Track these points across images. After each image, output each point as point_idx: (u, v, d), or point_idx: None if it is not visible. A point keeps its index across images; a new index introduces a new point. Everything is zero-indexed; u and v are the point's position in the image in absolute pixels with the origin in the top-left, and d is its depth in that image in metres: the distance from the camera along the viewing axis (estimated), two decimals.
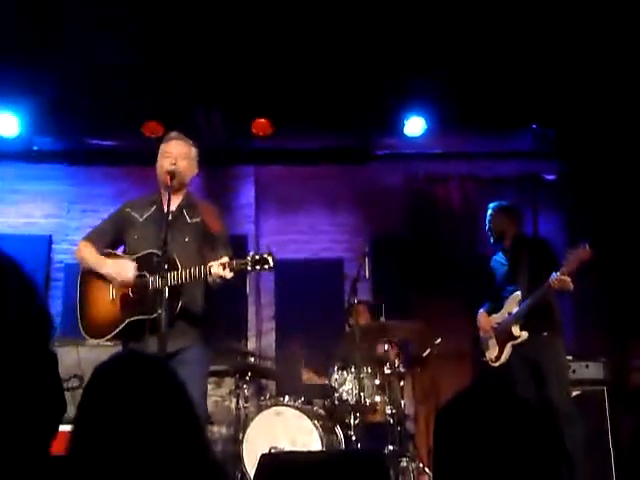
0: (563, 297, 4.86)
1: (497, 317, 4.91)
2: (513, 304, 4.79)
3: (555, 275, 4.41)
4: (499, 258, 5.06)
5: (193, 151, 3.79)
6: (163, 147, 3.75)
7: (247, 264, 3.25)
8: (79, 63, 5.34)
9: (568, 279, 4.39)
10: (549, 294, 4.58)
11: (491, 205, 5.12)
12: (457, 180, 7.01)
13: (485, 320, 5.02)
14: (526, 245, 4.94)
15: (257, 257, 3.25)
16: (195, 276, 3.34)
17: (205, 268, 3.31)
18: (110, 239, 3.75)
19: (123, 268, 3.53)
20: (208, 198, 6.79)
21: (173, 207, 3.61)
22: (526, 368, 4.70)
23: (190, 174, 3.78)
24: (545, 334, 4.66)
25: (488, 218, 5.08)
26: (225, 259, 3.29)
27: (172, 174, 3.56)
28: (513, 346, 4.75)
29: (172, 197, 3.58)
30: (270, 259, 3.24)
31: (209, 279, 3.39)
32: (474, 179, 6.99)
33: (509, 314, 4.80)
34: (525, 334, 4.68)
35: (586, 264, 4.33)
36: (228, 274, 3.27)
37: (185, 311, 3.48)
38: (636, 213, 6.36)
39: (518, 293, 4.76)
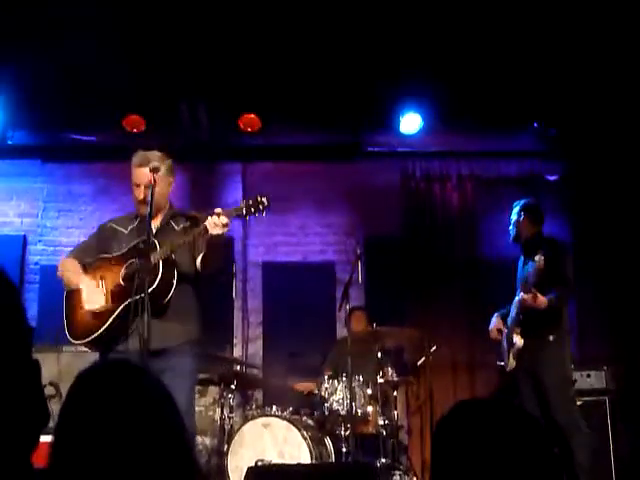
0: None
1: (509, 321, 4.89)
2: (515, 309, 4.77)
3: (521, 294, 4.54)
4: (521, 259, 4.98)
5: (163, 168, 3.64)
6: (133, 171, 3.73)
7: (242, 209, 3.40)
8: (57, 53, 5.33)
9: (528, 299, 4.48)
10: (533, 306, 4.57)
11: (515, 204, 5.02)
12: (455, 180, 7.04)
13: (496, 324, 5.00)
14: (539, 247, 4.72)
15: (251, 201, 3.42)
16: (190, 240, 3.47)
17: (200, 229, 3.39)
18: (96, 253, 3.78)
19: (94, 297, 3.58)
20: (192, 197, 6.86)
21: (158, 221, 3.73)
22: (529, 379, 4.70)
23: (165, 193, 3.77)
24: (550, 338, 4.62)
25: (512, 217, 4.99)
26: (218, 209, 3.37)
27: (144, 203, 3.60)
28: (514, 354, 4.76)
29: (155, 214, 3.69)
30: (265, 199, 3.42)
31: (197, 251, 3.54)
32: (473, 179, 7.02)
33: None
34: (520, 342, 4.67)
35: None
36: (222, 227, 3.33)
37: (176, 301, 3.53)
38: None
39: (517, 298, 4.74)
